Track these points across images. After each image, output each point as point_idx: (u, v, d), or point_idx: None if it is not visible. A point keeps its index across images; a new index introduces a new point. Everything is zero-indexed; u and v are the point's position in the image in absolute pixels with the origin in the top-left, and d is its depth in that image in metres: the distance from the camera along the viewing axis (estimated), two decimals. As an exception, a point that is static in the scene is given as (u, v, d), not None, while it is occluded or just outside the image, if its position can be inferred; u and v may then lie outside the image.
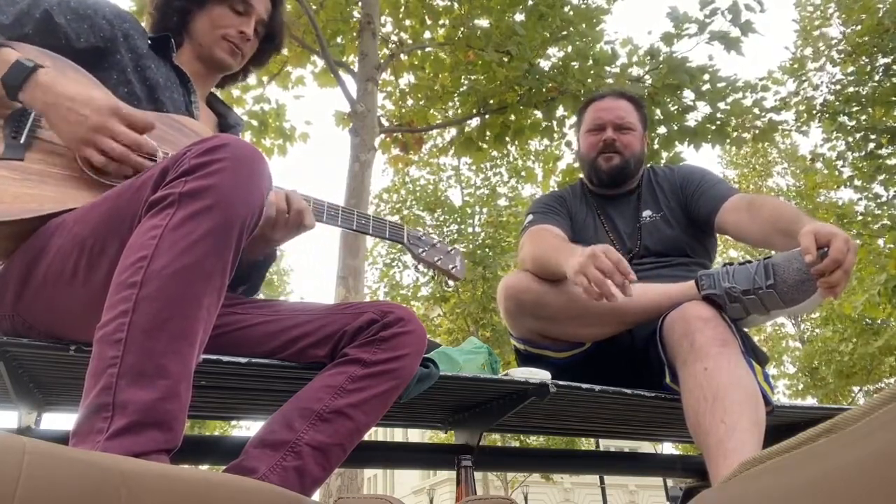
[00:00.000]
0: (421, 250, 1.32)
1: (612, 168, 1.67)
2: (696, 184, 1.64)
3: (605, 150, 1.67)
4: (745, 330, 1.38)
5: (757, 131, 5.12)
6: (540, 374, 1.30)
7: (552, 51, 5.56)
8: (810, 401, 12.51)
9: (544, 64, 5.38)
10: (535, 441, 11.54)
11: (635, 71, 5.21)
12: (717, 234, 1.67)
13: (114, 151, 0.94)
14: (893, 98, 6.98)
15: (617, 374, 1.42)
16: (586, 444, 12.80)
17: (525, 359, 1.55)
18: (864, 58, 7.39)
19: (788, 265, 1.21)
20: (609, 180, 1.69)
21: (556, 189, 1.93)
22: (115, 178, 0.98)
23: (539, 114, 5.35)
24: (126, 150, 0.95)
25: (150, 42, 1.21)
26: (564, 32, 5.38)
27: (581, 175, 1.85)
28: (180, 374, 0.70)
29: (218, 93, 1.40)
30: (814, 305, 1.22)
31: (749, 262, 1.29)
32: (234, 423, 11.68)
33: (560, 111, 5.30)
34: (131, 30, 1.17)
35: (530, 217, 1.69)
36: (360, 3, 5.33)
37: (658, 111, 5.01)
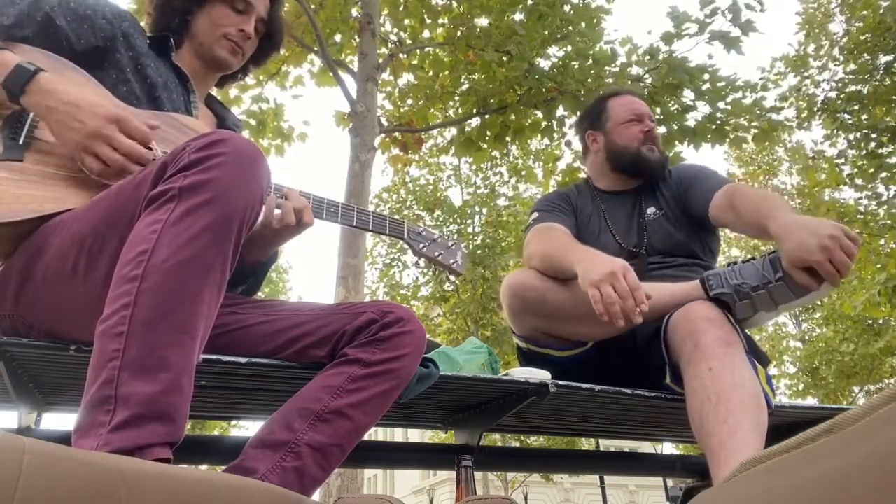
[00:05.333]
0: (422, 245, 1.32)
1: (657, 160, 1.67)
2: (689, 182, 1.64)
3: (647, 140, 1.67)
4: (748, 331, 1.38)
5: (756, 131, 5.11)
6: (540, 374, 1.30)
7: (552, 50, 5.56)
8: (811, 401, 12.51)
9: (544, 64, 5.38)
10: (535, 441, 11.54)
11: (635, 70, 5.20)
12: (720, 232, 1.67)
13: (110, 159, 0.94)
14: (894, 97, 6.98)
15: (619, 373, 1.42)
16: (586, 444, 12.80)
17: (527, 357, 1.55)
18: (865, 55, 7.39)
19: None
20: (651, 171, 1.68)
21: (558, 188, 1.94)
22: (113, 181, 0.98)
23: (539, 114, 5.35)
24: (122, 160, 0.94)
25: (149, 41, 1.21)
26: (564, 32, 5.37)
27: (583, 174, 1.84)
28: (182, 367, 0.70)
29: (215, 93, 1.39)
30: (821, 296, 1.23)
31: (753, 258, 1.29)
32: (234, 423, 11.68)
33: (560, 111, 5.29)
34: (131, 29, 1.17)
35: (535, 215, 1.68)
36: (359, 3, 5.33)
37: (658, 111, 5.00)
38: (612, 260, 1.26)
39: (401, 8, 5.73)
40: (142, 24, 1.24)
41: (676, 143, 5.04)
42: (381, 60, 5.27)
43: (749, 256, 1.31)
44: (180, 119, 1.14)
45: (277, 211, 1.10)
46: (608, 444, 13.81)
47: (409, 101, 5.98)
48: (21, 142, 0.98)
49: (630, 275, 1.22)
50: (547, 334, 1.48)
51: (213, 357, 0.99)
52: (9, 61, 0.95)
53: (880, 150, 7.21)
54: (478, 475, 1.55)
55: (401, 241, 1.32)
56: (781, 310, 1.27)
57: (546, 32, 5.29)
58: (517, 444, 11.03)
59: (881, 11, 7.18)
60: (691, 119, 5.05)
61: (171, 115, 1.14)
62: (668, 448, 13.58)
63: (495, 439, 10.89)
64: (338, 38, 5.73)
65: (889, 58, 7.12)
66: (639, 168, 1.69)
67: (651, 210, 1.66)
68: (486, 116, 5.48)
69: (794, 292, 1.21)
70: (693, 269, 1.53)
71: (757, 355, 1.31)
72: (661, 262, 1.58)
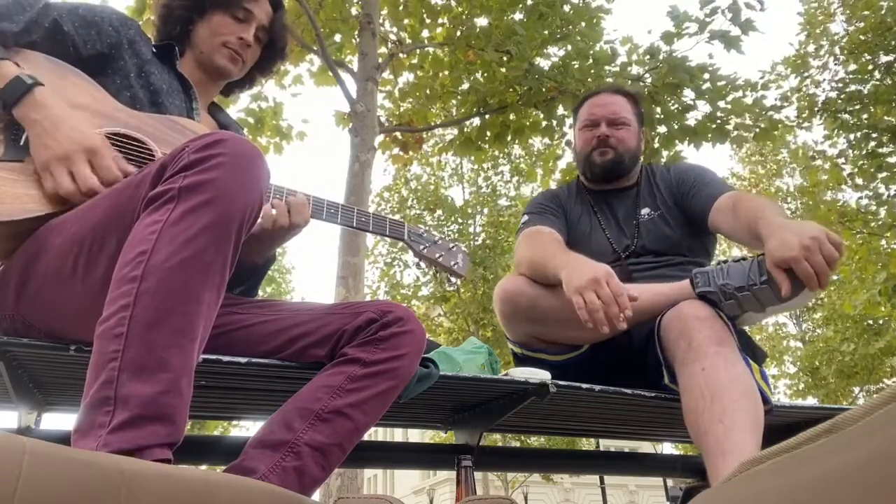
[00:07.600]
0: (422, 247, 1.32)
1: (605, 163, 1.68)
2: (690, 183, 1.64)
3: (599, 145, 1.68)
4: (744, 328, 1.38)
5: (758, 130, 5.11)
6: (540, 374, 1.30)
7: (552, 50, 5.56)
8: (811, 401, 12.51)
9: (544, 63, 5.38)
10: (535, 441, 11.53)
11: (635, 70, 5.20)
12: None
13: (62, 185, 0.93)
14: (894, 97, 6.97)
15: (615, 375, 1.42)
16: (586, 444, 12.80)
17: (522, 362, 1.55)
18: (865, 55, 7.38)
19: None
20: (603, 175, 1.70)
21: (553, 188, 1.94)
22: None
23: (539, 113, 5.35)
24: (74, 190, 0.94)
25: (154, 50, 1.22)
26: (564, 32, 5.37)
27: (578, 173, 1.85)
28: (182, 368, 0.70)
29: (215, 99, 1.40)
30: (807, 300, 1.22)
31: (744, 258, 1.30)
32: (234, 422, 11.67)
33: (560, 111, 5.29)
34: (136, 36, 1.19)
35: (526, 218, 1.70)
36: (359, 2, 5.33)
37: (658, 110, 5.00)
38: (595, 266, 1.26)
39: (401, 8, 5.73)
40: (142, 26, 1.25)
41: (677, 142, 5.05)
42: (381, 60, 5.27)
43: (741, 256, 1.31)
44: (181, 122, 1.15)
45: (273, 211, 1.11)
46: (608, 444, 13.81)
47: (409, 101, 5.97)
48: (22, 143, 0.98)
49: (613, 280, 1.22)
50: (540, 339, 1.48)
51: (213, 357, 0.99)
52: (7, 73, 0.95)
53: (880, 150, 7.21)
54: (478, 475, 1.55)
55: (401, 242, 1.32)
56: (770, 312, 1.26)
57: (546, 32, 5.29)
58: (517, 444, 11.02)
59: (882, 12, 7.18)
60: (692, 118, 5.05)
61: (172, 118, 1.14)
62: (668, 448, 13.58)
63: (495, 439, 10.88)
64: (337, 37, 5.73)
65: (889, 58, 7.12)
66: (592, 173, 1.71)
67: (645, 210, 1.66)
68: (486, 116, 5.48)
69: (776, 297, 1.20)
70: (687, 269, 1.53)
71: (752, 352, 1.31)
72: (656, 262, 1.58)
